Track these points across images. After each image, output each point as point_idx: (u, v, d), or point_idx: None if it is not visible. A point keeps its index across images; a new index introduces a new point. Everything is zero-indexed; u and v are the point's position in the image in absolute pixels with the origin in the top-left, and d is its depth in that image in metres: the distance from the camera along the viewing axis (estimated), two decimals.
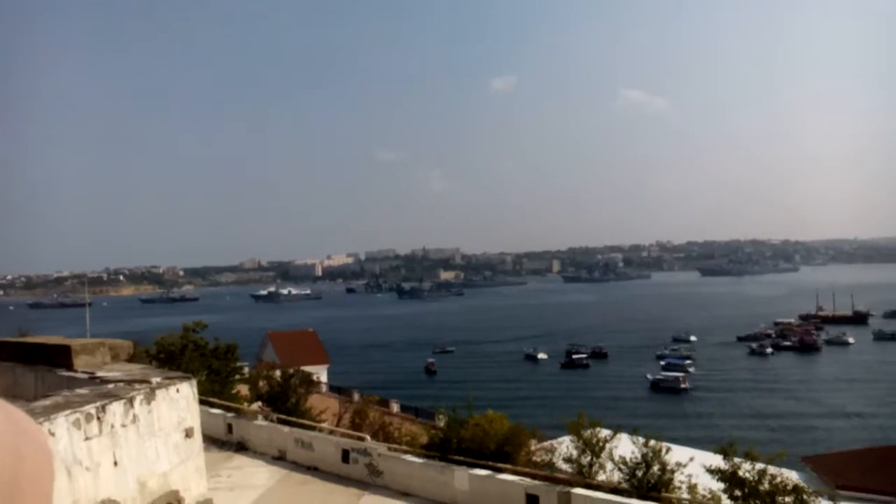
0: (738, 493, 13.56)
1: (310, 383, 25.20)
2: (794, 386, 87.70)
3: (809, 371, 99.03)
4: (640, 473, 14.12)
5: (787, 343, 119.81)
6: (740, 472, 13.55)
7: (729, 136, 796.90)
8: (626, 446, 14.93)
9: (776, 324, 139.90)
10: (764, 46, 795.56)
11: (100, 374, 12.01)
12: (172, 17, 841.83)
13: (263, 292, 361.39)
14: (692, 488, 14.29)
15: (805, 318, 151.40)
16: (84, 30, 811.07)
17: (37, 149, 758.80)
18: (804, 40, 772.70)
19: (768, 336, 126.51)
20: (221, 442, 20.31)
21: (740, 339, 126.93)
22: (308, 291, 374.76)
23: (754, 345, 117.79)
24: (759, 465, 13.57)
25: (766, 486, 13.25)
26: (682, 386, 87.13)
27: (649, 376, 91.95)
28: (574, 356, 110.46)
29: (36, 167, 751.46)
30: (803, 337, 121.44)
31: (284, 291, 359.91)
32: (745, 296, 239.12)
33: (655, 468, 14.05)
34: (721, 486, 13.97)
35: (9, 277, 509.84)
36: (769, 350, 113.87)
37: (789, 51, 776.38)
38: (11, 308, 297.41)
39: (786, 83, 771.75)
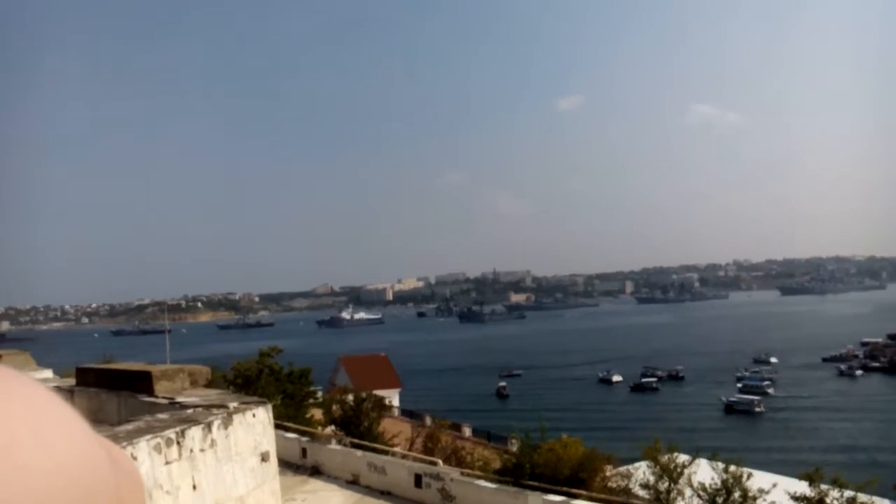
0: None
1: (382, 407, 25.38)
2: (884, 409, 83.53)
3: None
4: (720, 500, 13.69)
5: (876, 364, 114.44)
6: (828, 500, 13.01)
7: (805, 148, 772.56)
8: (705, 472, 14.51)
9: (863, 344, 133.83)
10: (838, 55, 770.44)
11: (179, 399, 12.35)
12: (258, 36, 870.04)
13: (326, 318, 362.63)
14: None
15: (894, 337, 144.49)
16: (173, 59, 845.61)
17: (114, 180, 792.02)
18: (882, 45, 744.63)
19: (855, 357, 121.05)
20: (296, 466, 20.58)
21: (825, 360, 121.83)
22: (377, 315, 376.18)
23: (843, 366, 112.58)
24: (848, 493, 13.00)
25: None
26: (758, 409, 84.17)
27: (723, 399, 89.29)
28: (643, 379, 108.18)
29: (115, 199, 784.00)
30: (894, 357, 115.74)
31: (347, 316, 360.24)
32: (829, 315, 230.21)
33: (736, 495, 13.61)
34: None
35: (93, 306, 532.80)
36: (858, 371, 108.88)
37: (864, 56, 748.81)
38: (96, 335, 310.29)
39: (863, 89, 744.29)
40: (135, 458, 8.66)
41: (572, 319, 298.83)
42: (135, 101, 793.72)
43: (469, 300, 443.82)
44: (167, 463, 9.24)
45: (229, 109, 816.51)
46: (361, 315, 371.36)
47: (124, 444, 8.63)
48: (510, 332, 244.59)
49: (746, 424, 79.80)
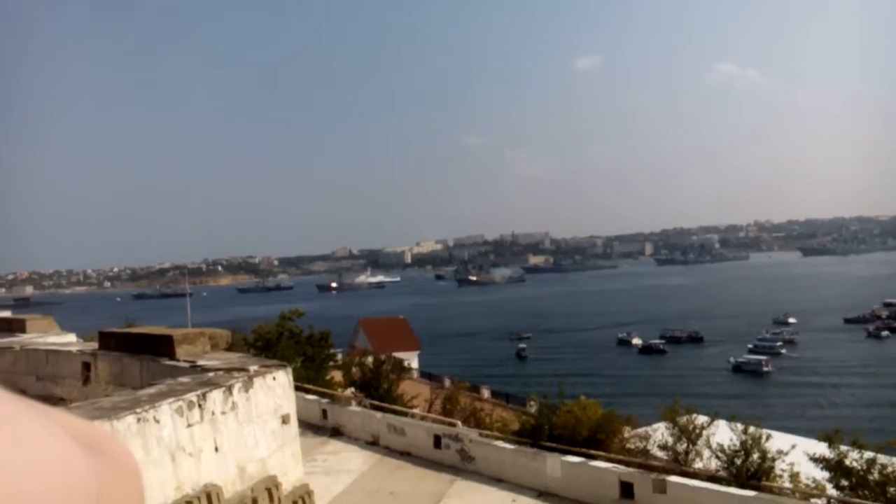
0: (844, 482, 12.97)
1: (401, 369, 25.56)
2: None
3: None
4: (738, 461, 13.69)
5: None
6: (847, 461, 12.95)
7: (828, 107, 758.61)
8: (723, 433, 14.50)
9: (887, 304, 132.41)
10: (860, 10, 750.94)
11: (200, 362, 12.46)
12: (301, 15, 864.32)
13: (334, 283, 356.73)
14: (794, 477, 13.75)
15: None
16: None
17: (140, 149, 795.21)
18: None
19: (879, 318, 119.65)
20: (317, 427, 20.83)
21: (848, 321, 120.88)
22: (387, 279, 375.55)
23: (870, 327, 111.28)
24: (868, 454, 12.93)
25: (875, 475, 12.62)
26: (765, 369, 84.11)
27: (732, 360, 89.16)
28: (652, 342, 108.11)
29: (140, 166, 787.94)
30: None
31: (348, 281, 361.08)
32: (852, 275, 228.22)
33: (755, 456, 13.58)
34: (826, 475, 13.40)
35: (115, 270, 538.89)
36: (884, 333, 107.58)
37: (887, 9, 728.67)
38: (118, 299, 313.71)
39: (888, 45, 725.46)
40: (157, 422, 8.78)
41: (578, 282, 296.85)
42: (160, 63, 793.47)
43: (487, 262, 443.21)
44: (189, 425, 9.35)
45: (256, 74, 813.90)
46: (367, 279, 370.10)
47: (147, 407, 8.74)
48: (523, 294, 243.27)
49: (750, 384, 79.58)
